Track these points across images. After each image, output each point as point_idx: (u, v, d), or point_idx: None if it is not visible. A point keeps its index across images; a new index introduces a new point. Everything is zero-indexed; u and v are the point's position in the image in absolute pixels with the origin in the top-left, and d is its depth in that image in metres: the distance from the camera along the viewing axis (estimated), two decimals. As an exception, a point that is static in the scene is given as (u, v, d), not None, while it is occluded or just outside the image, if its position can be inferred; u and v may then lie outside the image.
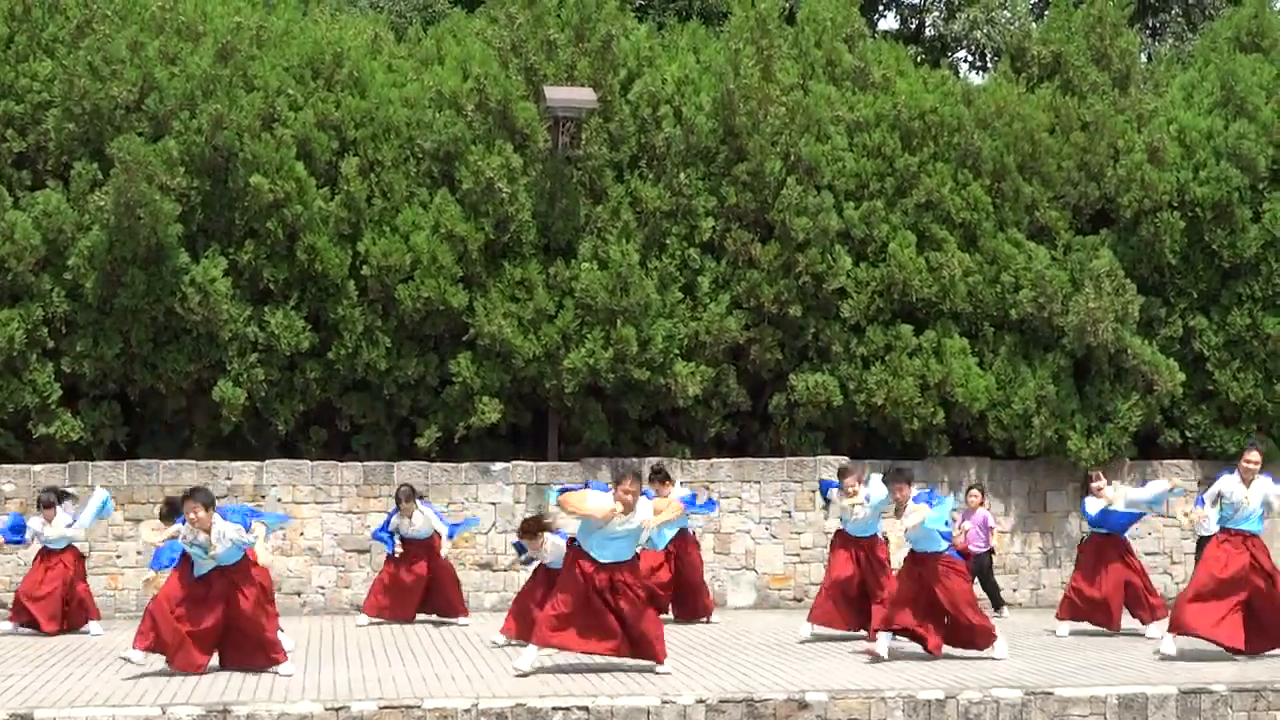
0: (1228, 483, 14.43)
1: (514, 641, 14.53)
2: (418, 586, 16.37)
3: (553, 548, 14.24)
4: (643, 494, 13.52)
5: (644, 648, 13.08)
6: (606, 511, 12.91)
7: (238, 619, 12.96)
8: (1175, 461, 19.53)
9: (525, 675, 12.77)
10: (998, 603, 17.71)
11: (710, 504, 17.35)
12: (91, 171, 17.56)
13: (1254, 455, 14.45)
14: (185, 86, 17.85)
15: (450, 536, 16.50)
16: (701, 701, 11.93)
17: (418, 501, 16.34)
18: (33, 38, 18.26)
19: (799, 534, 18.62)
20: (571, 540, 13.38)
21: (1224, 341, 19.47)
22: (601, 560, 13.06)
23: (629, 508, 13.00)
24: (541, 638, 12.99)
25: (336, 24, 19.71)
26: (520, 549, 15.28)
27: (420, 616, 16.55)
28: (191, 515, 12.72)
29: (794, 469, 18.66)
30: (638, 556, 13.51)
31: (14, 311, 17.37)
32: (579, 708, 11.73)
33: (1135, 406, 19.00)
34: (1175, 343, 19.53)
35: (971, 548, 17.62)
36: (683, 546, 16.73)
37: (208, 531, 12.75)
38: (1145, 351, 18.97)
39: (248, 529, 12.97)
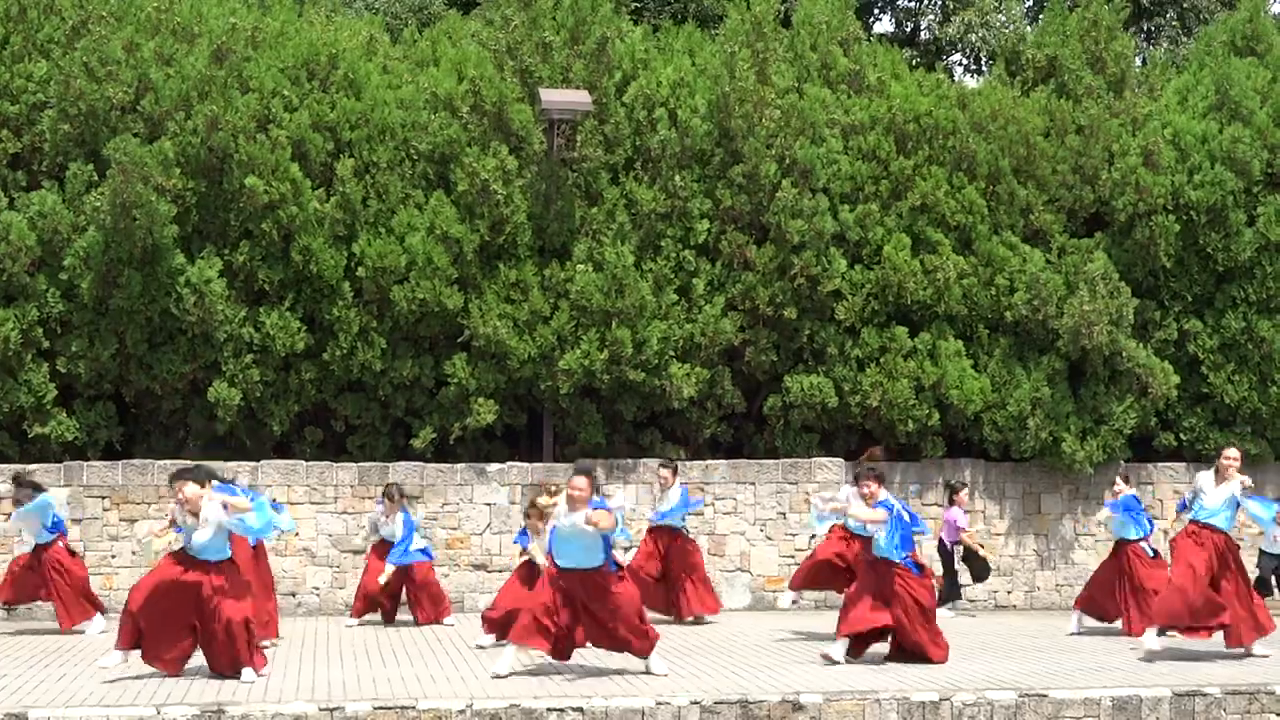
0: (1204, 479, 14.62)
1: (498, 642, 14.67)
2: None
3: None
4: (600, 501, 13.18)
5: (621, 644, 13.08)
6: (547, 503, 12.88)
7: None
8: (1170, 464, 19.56)
9: (503, 677, 12.76)
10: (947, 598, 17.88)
11: (678, 510, 16.97)
12: (87, 172, 17.55)
13: (1232, 451, 14.62)
14: (181, 88, 17.85)
15: (398, 561, 16.43)
16: (696, 703, 11.94)
17: (402, 506, 16.55)
18: (28, 39, 18.25)
19: (794, 535, 18.64)
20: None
21: (1218, 344, 19.51)
22: (563, 565, 13.01)
23: (571, 505, 12.84)
24: (518, 636, 12.97)
25: (332, 26, 19.71)
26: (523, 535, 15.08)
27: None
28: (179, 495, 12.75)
29: (789, 471, 18.68)
30: (606, 564, 13.09)
31: (9, 312, 17.36)
32: (573, 709, 11.73)
33: (1130, 409, 19.03)
34: (1170, 346, 19.57)
35: (950, 542, 17.83)
36: (673, 543, 16.77)
37: (195, 514, 12.75)
38: (1140, 354, 19.00)
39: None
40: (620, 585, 13.10)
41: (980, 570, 18.01)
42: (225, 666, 12.72)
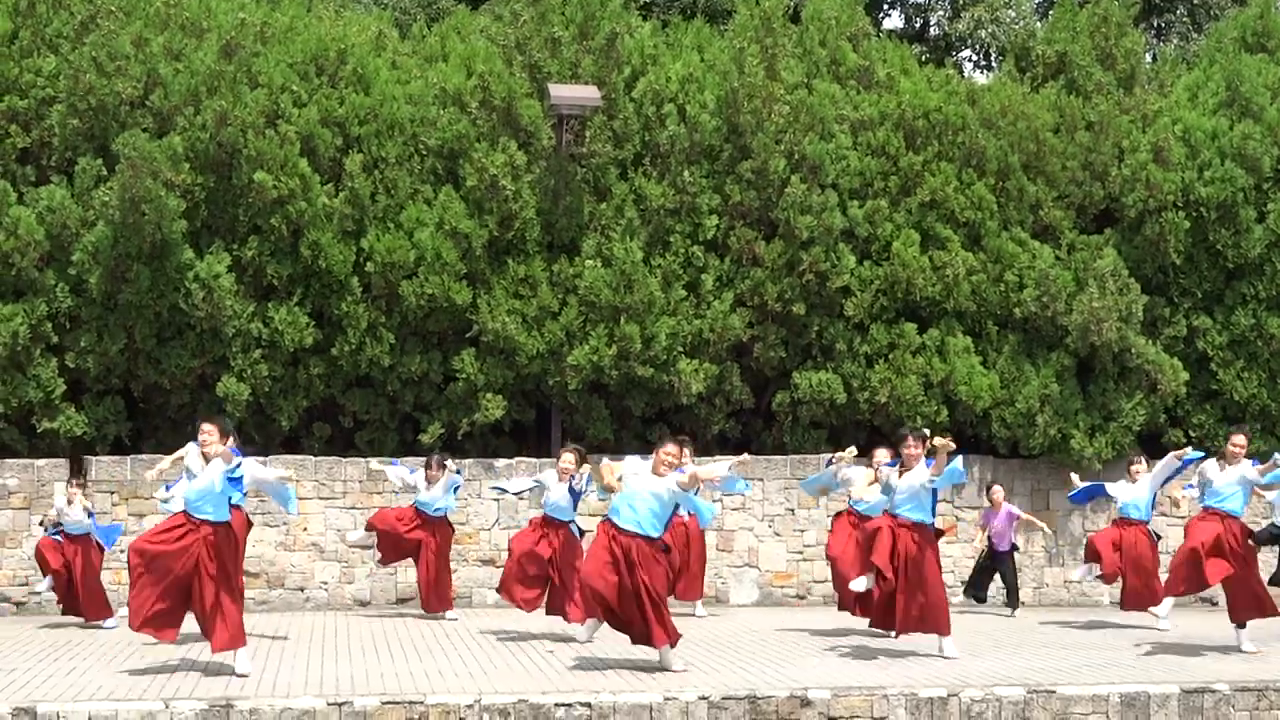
0: (1210, 467, 14.85)
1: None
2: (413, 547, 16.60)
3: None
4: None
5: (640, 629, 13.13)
6: (611, 475, 13.12)
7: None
8: (1179, 461, 19.52)
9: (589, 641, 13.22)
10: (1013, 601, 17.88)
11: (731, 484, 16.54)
12: (96, 167, 17.57)
13: (1239, 439, 14.81)
14: (190, 83, 17.86)
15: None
16: (704, 698, 11.93)
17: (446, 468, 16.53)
18: (37, 33, 18.27)
19: (802, 531, 18.63)
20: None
21: (1228, 341, 19.48)
22: (621, 525, 13.00)
23: (661, 470, 13.04)
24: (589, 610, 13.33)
25: (340, 20, 19.72)
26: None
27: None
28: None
29: (797, 467, 18.67)
30: (660, 540, 13.14)
31: (18, 306, 17.39)
32: (581, 704, 11.73)
33: (1139, 406, 19.00)
34: (1179, 342, 19.54)
35: (999, 547, 17.71)
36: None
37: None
38: (1149, 351, 18.97)
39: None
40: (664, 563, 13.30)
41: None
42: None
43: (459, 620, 16.50)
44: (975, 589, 18.08)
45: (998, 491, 17.93)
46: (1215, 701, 12.55)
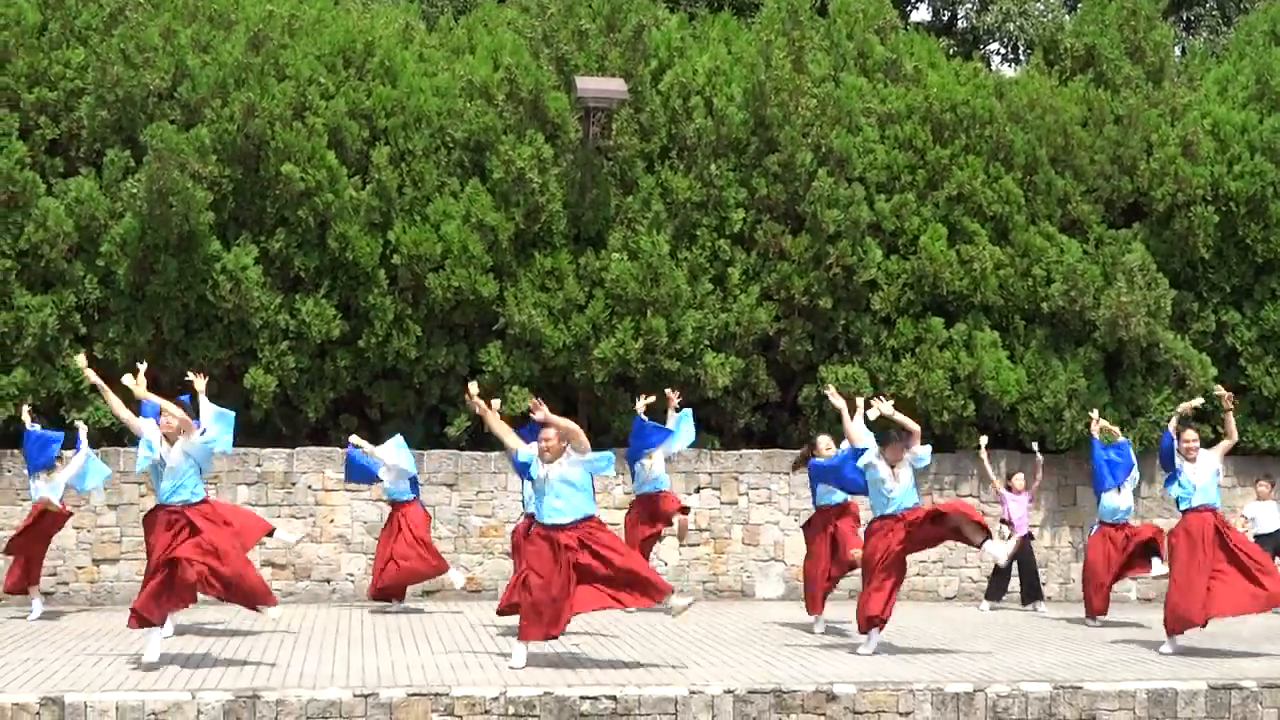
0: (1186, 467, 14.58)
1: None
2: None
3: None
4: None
5: (637, 589, 12.79)
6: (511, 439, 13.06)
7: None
8: (1206, 457, 19.42)
9: (519, 669, 12.60)
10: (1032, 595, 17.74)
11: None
12: (124, 159, 17.63)
13: (1190, 434, 14.67)
14: (217, 75, 17.90)
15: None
16: (729, 692, 11.93)
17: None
18: (66, 25, 18.32)
19: (827, 526, 18.56)
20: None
21: (1257, 336, 19.40)
22: (546, 522, 12.76)
23: (553, 454, 12.68)
24: (524, 634, 12.78)
25: (368, 13, 19.76)
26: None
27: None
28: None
29: (823, 461, 18.61)
30: (592, 517, 12.81)
31: (47, 298, 17.46)
32: (607, 697, 11.73)
33: (1167, 401, 18.92)
34: (1208, 337, 19.46)
35: (1019, 531, 17.59)
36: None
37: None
38: (1177, 346, 18.89)
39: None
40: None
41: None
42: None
43: (485, 612, 16.52)
44: (996, 592, 17.93)
45: (1019, 479, 17.93)
46: (1243, 698, 12.49)
